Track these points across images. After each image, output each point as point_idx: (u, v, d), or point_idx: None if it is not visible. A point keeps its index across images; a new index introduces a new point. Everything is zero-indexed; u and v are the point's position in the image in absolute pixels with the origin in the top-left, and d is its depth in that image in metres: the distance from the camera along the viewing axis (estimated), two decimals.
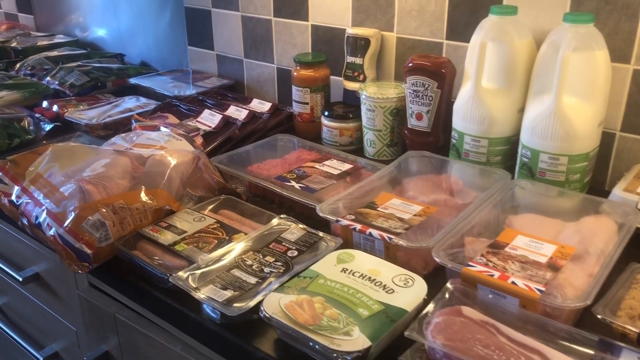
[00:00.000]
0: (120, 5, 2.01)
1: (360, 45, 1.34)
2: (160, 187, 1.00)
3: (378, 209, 0.96)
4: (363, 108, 1.29)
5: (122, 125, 1.48)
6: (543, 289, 0.73)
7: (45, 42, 2.12)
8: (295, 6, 1.49)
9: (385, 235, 0.86)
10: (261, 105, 1.53)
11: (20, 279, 1.20)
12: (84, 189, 0.95)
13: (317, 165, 1.15)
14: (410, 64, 1.19)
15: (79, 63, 1.81)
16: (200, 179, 1.07)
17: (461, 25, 1.23)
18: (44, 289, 1.24)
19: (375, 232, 0.87)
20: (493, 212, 0.95)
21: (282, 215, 0.98)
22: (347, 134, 1.34)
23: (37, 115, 1.46)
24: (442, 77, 1.17)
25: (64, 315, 1.22)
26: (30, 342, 1.39)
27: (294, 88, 1.41)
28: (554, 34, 1.02)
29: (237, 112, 1.46)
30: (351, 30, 1.36)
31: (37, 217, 0.95)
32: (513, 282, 0.75)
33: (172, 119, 1.43)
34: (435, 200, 1.00)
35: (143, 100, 1.60)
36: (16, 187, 1.02)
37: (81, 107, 1.57)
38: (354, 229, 0.89)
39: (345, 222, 0.91)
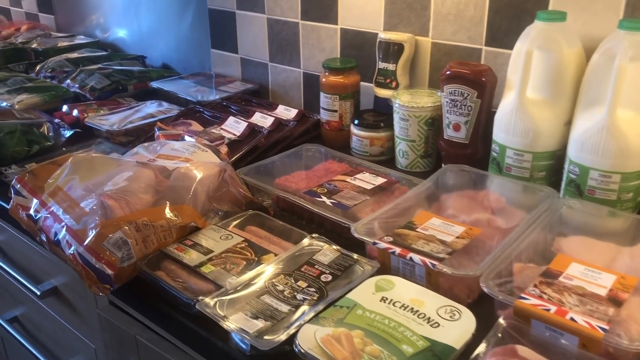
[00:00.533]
0: (142, 6, 1.97)
1: (393, 50, 1.28)
2: (186, 203, 0.95)
3: (417, 229, 0.89)
4: (396, 117, 1.22)
5: (143, 132, 1.43)
6: (606, 327, 0.67)
7: (65, 43, 2.09)
8: (324, 9, 1.43)
9: (427, 261, 0.80)
10: (287, 112, 1.47)
11: (38, 293, 1.16)
12: (105, 205, 0.90)
13: (348, 179, 1.08)
14: (448, 72, 1.13)
15: (99, 65, 1.77)
16: (227, 192, 1.01)
17: (502, 31, 1.16)
18: (62, 304, 1.19)
19: (416, 257, 0.81)
20: (541, 235, 0.89)
21: (313, 235, 0.92)
22: (378, 143, 1.28)
23: (56, 120, 1.41)
24: (483, 86, 1.10)
25: (82, 331, 1.18)
26: (48, 355, 1.35)
27: (322, 95, 1.35)
28: (608, 42, 0.95)
29: (263, 120, 1.40)
30: (384, 35, 1.29)
31: (56, 234, 0.90)
32: (572, 319, 0.68)
33: (196, 126, 1.38)
34: (477, 220, 0.94)
35: (165, 105, 1.55)
36: (35, 200, 0.97)
37: (102, 111, 1.53)
38: (393, 252, 0.83)
39: (383, 245, 0.84)
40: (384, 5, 1.32)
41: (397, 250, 0.83)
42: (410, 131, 1.21)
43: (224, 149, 1.25)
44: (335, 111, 1.34)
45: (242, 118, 1.40)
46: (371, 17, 1.35)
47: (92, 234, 0.86)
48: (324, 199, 1.01)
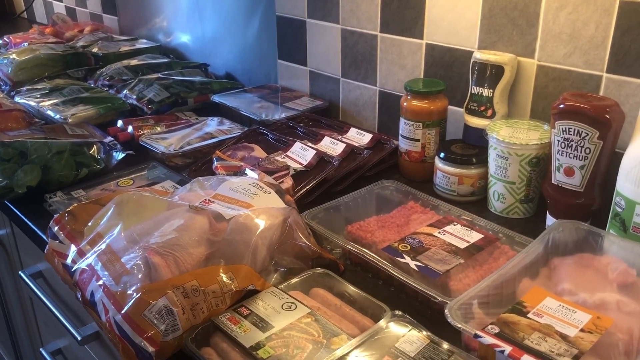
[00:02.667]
0: (206, 11, 1.84)
1: (491, 73, 1.09)
2: (244, 261, 0.80)
3: (529, 315, 0.71)
4: (492, 153, 1.03)
5: (201, 154, 1.29)
6: None
7: (127, 48, 1.99)
8: (407, 21, 1.25)
9: None
10: (360, 137, 1.30)
11: (79, 338, 1.04)
12: (150, 262, 0.76)
13: (436, 232, 0.91)
14: (561, 105, 0.93)
15: (159, 75, 1.65)
16: (291, 244, 0.85)
17: (631, 56, 0.95)
18: (105, 350, 1.07)
19: None
20: None
21: (396, 313, 0.75)
22: (468, 182, 1.09)
23: (108, 139, 1.29)
24: (607, 125, 0.89)
25: None
26: None
27: (402, 121, 1.17)
28: None
29: (333, 146, 1.24)
30: (480, 55, 1.10)
31: (92, 294, 0.77)
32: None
33: (259, 152, 1.23)
34: (603, 302, 0.74)
35: (227, 124, 1.41)
36: (72, 248, 0.84)
37: (158, 128, 1.41)
38: (502, 351, 0.65)
39: (488, 339, 0.66)
40: (480, 20, 1.13)
41: (507, 349, 0.65)
42: (509, 171, 1.02)
43: (288, 182, 1.09)
44: (418, 140, 1.16)
45: (310, 145, 1.24)
46: (464, 33, 1.16)
47: (132, 300, 0.72)
48: (407, 259, 0.84)
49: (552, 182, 0.98)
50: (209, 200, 0.90)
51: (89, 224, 0.86)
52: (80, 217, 0.87)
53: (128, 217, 0.85)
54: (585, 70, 1.01)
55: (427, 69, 1.25)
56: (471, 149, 1.12)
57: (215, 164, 1.07)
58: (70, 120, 1.43)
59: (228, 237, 0.82)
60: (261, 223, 0.83)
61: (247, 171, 1.03)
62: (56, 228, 0.87)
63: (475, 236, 0.89)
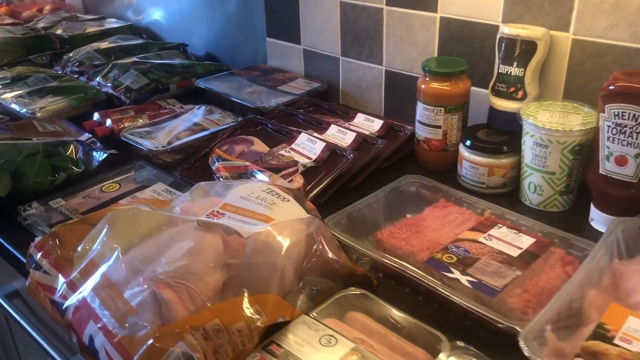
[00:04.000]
0: None
1: (522, 50, 0.97)
2: (271, 290, 0.67)
3: (616, 341, 0.60)
4: (529, 141, 0.92)
5: (192, 148, 1.15)
6: None
7: (95, 29, 1.81)
8: None
9: None
10: (369, 123, 1.18)
11: None
12: (160, 298, 0.63)
13: (481, 238, 0.80)
14: (611, 87, 0.82)
15: (135, 59, 1.49)
16: (319, 262, 0.73)
17: None
18: None
19: None
20: None
21: (458, 344, 0.64)
22: (500, 173, 0.98)
23: (85, 138, 1.14)
24: None
25: None
26: None
27: (420, 106, 1.05)
28: None
29: (341, 135, 1.12)
30: (508, 30, 0.98)
31: (91, 339, 0.64)
32: None
33: (259, 145, 1.10)
34: None
35: (217, 114, 1.26)
36: (61, 280, 0.70)
37: (140, 120, 1.26)
38: None
39: None
40: None
41: None
42: (549, 161, 0.91)
43: (299, 180, 0.97)
44: (439, 127, 1.04)
45: (316, 135, 1.11)
46: (485, 4, 1.04)
47: (143, 348, 0.59)
48: (457, 274, 0.73)
49: (600, 171, 0.87)
50: (217, 212, 0.77)
51: (79, 249, 0.72)
52: (67, 240, 0.73)
53: (124, 238, 0.72)
54: (632, 44, 0.90)
55: (441, 45, 1.13)
56: (500, 135, 1.01)
57: (216, 164, 0.93)
58: (39, 115, 1.27)
59: (248, 261, 0.69)
60: (286, 240, 0.71)
61: (257, 173, 0.89)
62: (39, 255, 0.72)
63: (526, 241, 0.79)
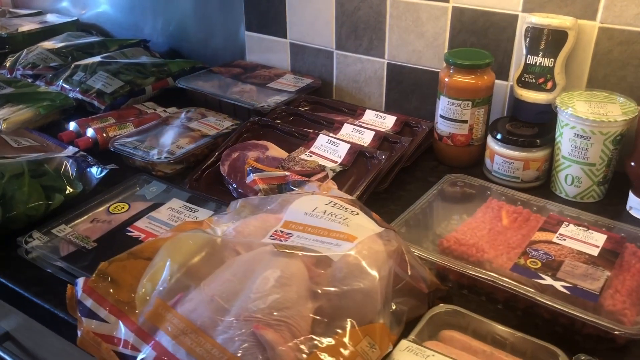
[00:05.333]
0: None
1: (551, 40, 0.95)
2: (375, 318, 0.61)
3: None
4: (568, 132, 0.91)
5: (193, 157, 1.05)
6: None
7: (36, 26, 1.62)
8: None
9: None
10: (381, 120, 1.12)
11: None
12: (263, 341, 0.55)
13: (554, 239, 0.77)
14: None
15: (100, 60, 1.34)
16: (406, 283, 0.67)
17: None
18: None
19: None
20: None
21: (582, 357, 0.60)
22: (535, 166, 0.96)
23: (72, 151, 1.00)
24: None
25: None
26: None
27: (444, 100, 1.01)
28: None
29: (358, 135, 1.06)
30: (535, 19, 0.96)
31: None
32: None
33: (275, 150, 1.01)
34: None
35: (212, 117, 1.16)
36: (122, 328, 0.60)
37: (127, 129, 1.13)
38: None
39: None
40: None
41: None
42: (590, 152, 0.90)
43: (327, 185, 0.90)
44: (465, 122, 1.01)
45: (332, 135, 1.04)
46: None
47: None
48: (549, 279, 0.69)
49: None
50: (281, 232, 0.69)
51: (140, 291, 0.62)
52: (121, 280, 0.63)
53: (194, 271, 0.63)
54: None
55: (453, 36, 1.09)
56: (529, 127, 0.99)
57: (252, 177, 0.84)
58: (3, 127, 1.11)
59: (341, 286, 0.62)
60: (377, 261, 0.64)
61: (310, 185, 0.81)
62: (91, 301, 0.61)
63: (599, 238, 0.77)
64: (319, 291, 0.62)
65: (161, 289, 0.61)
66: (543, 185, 0.99)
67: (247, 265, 0.63)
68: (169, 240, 0.66)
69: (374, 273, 0.63)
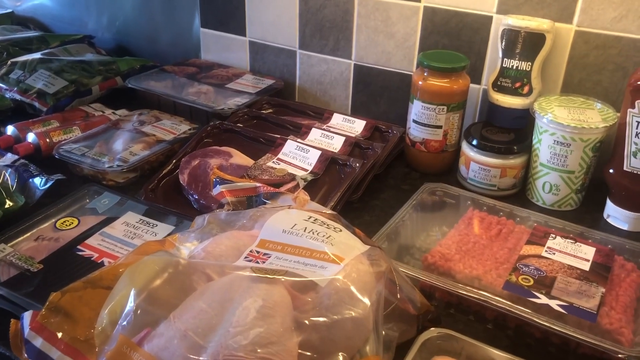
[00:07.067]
0: None
1: (530, 43, 0.92)
2: (367, 348, 0.55)
3: None
4: (547, 139, 0.88)
5: (148, 165, 0.97)
6: None
7: None
8: None
9: None
10: (350, 125, 1.07)
11: None
12: None
13: (543, 252, 0.73)
14: None
15: (40, 56, 1.22)
16: (396, 307, 0.62)
17: None
18: None
19: None
20: None
21: None
22: (512, 174, 0.93)
23: (12, 159, 0.90)
24: None
25: None
26: None
27: (418, 104, 0.96)
28: None
29: (328, 141, 1.00)
30: (512, 21, 0.92)
31: None
32: None
33: (239, 157, 0.94)
34: None
35: (167, 120, 1.07)
36: None
37: (73, 133, 1.03)
38: None
39: None
40: None
41: None
42: (569, 159, 0.87)
43: (304, 197, 0.83)
44: (439, 127, 0.96)
45: (300, 141, 0.98)
46: None
47: None
48: (543, 298, 0.65)
49: (625, 168, 0.85)
50: (257, 252, 0.62)
51: (100, 326, 0.54)
52: (77, 313, 0.54)
53: (163, 302, 0.55)
54: None
55: (425, 37, 1.05)
56: (505, 133, 0.96)
57: (219, 188, 0.76)
58: None
59: (332, 315, 0.55)
60: (366, 285, 0.58)
61: (285, 199, 0.74)
62: (40, 341, 0.53)
63: (587, 251, 0.74)
64: (306, 322, 0.55)
65: (125, 323, 0.53)
66: (518, 192, 0.96)
67: (222, 293, 0.56)
68: (131, 266, 0.58)
69: (365, 300, 0.57)
